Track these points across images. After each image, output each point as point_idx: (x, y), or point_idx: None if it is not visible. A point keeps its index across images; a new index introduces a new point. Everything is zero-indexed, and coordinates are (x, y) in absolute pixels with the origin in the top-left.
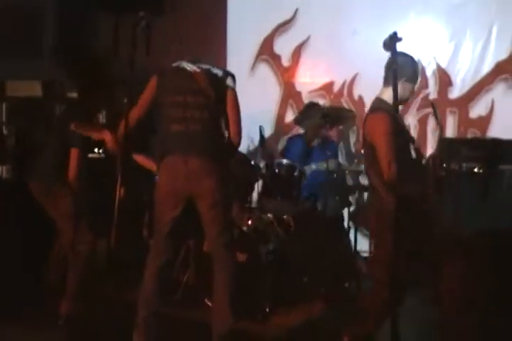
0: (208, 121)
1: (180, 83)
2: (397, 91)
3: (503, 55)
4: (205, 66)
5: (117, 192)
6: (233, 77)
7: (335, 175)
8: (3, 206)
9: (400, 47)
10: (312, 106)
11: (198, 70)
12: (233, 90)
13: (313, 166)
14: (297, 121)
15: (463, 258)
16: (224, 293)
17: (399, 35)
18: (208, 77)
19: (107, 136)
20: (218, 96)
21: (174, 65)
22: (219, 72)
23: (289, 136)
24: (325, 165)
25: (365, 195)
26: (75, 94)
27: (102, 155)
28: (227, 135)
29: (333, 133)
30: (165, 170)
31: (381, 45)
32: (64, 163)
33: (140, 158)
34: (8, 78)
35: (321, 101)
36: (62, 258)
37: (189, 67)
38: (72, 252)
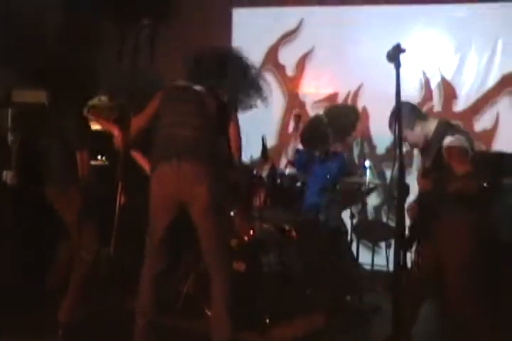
0: (203, 127)
1: (183, 99)
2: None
3: (509, 68)
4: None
5: (118, 200)
6: None
7: (337, 187)
8: (7, 211)
9: (405, 58)
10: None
11: (204, 91)
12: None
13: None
14: (303, 139)
15: None
16: (221, 302)
17: (402, 47)
18: (214, 100)
19: (116, 131)
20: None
21: (179, 83)
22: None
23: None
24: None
25: (369, 208)
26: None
27: (106, 163)
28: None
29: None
30: (157, 177)
31: (385, 56)
32: (75, 165)
33: (138, 156)
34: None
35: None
36: (68, 263)
37: (196, 87)
38: (77, 258)
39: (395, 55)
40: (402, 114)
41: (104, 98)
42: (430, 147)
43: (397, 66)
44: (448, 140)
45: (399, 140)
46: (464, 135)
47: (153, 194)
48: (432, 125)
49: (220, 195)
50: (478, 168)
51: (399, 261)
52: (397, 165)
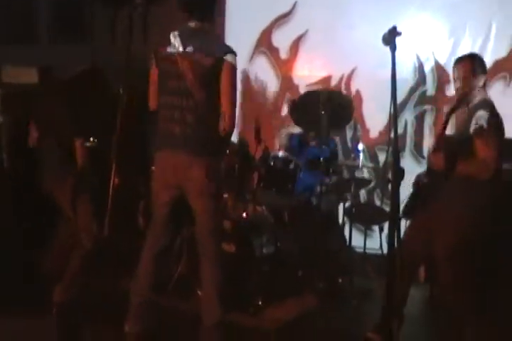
0: (198, 113)
1: (169, 72)
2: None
3: (502, 53)
4: (199, 44)
5: (111, 181)
6: (233, 53)
7: (331, 170)
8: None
9: (399, 42)
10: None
11: (184, 56)
12: (230, 65)
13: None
14: (292, 115)
15: None
16: (211, 283)
17: (398, 30)
18: (196, 63)
19: None
20: (210, 79)
21: (168, 49)
22: (215, 50)
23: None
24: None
25: (362, 190)
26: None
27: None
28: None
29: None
30: (157, 162)
31: (379, 39)
32: (73, 153)
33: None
34: (3, 64)
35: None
36: (67, 246)
37: (176, 49)
38: (77, 239)
39: (390, 38)
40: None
41: None
42: (465, 114)
43: (393, 49)
44: (479, 113)
45: (393, 123)
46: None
47: (154, 178)
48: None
49: (216, 179)
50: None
51: (393, 243)
52: (391, 148)
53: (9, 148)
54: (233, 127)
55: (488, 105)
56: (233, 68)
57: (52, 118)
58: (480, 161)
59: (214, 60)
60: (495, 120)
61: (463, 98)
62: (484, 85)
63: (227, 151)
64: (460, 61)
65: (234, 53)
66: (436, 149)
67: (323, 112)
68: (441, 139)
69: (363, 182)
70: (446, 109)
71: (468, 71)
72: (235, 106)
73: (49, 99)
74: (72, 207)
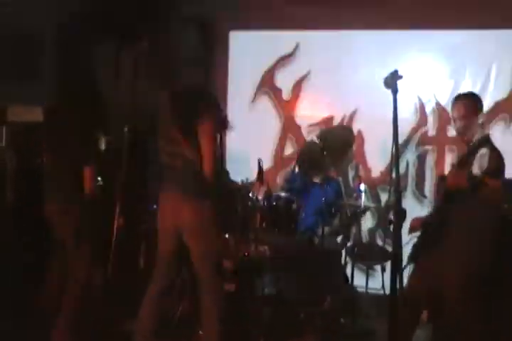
0: (189, 155)
1: (164, 114)
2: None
3: (502, 95)
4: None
5: (115, 221)
6: (211, 100)
7: (333, 210)
8: (6, 231)
9: (400, 83)
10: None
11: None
12: (207, 120)
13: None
14: (299, 166)
15: None
16: (211, 322)
17: (400, 73)
18: (180, 107)
19: None
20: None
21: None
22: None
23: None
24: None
25: (364, 230)
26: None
27: (100, 183)
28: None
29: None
30: (159, 203)
31: (381, 81)
32: (79, 182)
33: None
34: (10, 103)
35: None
36: (60, 283)
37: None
38: (71, 279)
39: (392, 81)
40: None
41: None
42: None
43: (395, 92)
44: (482, 151)
45: (395, 163)
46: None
47: (157, 220)
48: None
49: (211, 221)
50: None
51: (395, 284)
52: (393, 188)
53: (14, 181)
54: (212, 169)
55: (490, 142)
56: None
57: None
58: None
59: None
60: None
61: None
62: (483, 123)
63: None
64: (458, 100)
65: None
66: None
67: (325, 153)
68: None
69: (360, 211)
70: (447, 149)
71: (467, 110)
72: (212, 150)
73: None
74: (72, 242)
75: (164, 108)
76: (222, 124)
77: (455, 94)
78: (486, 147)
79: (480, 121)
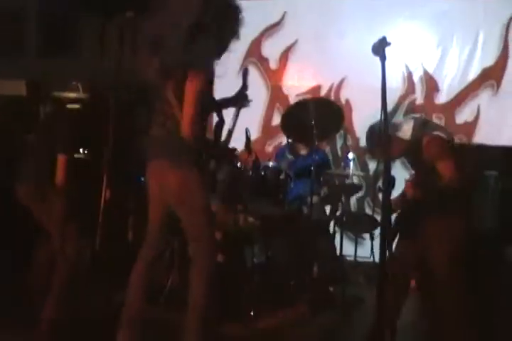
0: (173, 122)
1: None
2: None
3: (490, 62)
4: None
5: (103, 195)
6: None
7: (321, 179)
8: None
9: (388, 51)
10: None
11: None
12: (193, 77)
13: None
14: (284, 129)
15: None
16: (200, 294)
17: (388, 40)
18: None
19: None
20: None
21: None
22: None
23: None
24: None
25: (352, 199)
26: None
27: (87, 157)
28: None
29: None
30: (147, 174)
31: (369, 49)
32: (52, 167)
33: None
34: None
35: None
36: (48, 261)
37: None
38: (61, 256)
39: (380, 48)
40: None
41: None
42: (411, 149)
43: (383, 59)
44: (426, 137)
45: (385, 132)
46: (442, 131)
47: (147, 190)
48: (408, 127)
49: (192, 187)
50: (459, 162)
51: (385, 252)
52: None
53: None
54: (190, 131)
55: (427, 126)
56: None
57: (41, 132)
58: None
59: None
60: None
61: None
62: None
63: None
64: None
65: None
66: None
67: (312, 122)
68: None
69: (354, 189)
70: (435, 117)
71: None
72: (192, 111)
73: (38, 112)
74: (54, 223)
75: (154, 72)
76: (240, 100)
77: (443, 62)
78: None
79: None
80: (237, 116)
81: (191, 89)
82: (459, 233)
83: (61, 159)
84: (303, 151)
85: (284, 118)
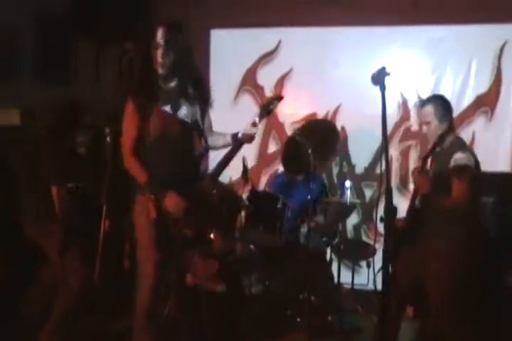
0: None
1: None
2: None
3: (483, 89)
4: None
5: (102, 224)
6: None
7: (318, 208)
8: None
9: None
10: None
11: None
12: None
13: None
14: (284, 163)
15: None
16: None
17: (387, 70)
18: None
19: None
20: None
21: None
22: None
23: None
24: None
25: (348, 227)
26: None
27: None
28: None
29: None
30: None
31: (363, 77)
32: (49, 198)
33: None
34: None
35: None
36: (48, 290)
37: None
38: (64, 285)
39: (379, 78)
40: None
41: None
42: (442, 155)
43: (383, 89)
44: (458, 156)
45: (386, 161)
46: (473, 156)
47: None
48: (449, 135)
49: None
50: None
51: (387, 281)
52: (384, 186)
53: None
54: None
55: (463, 145)
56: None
57: (33, 164)
58: (455, 198)
59: None
60: (474, 160)
61: (436, 144)
62: (452, 124)
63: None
64: (423, 106)
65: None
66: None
67: (309, 151)
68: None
69: (347, 211)
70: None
71: (432, 116)
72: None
73: (29, 144)
74: (58, 253)
75: None
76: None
77: (437, 89)
78: (461, 151)
79: (446, 126)
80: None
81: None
82: (457, 257)
83: (55, 190)
84: (300, 177)
85: (283, 155)
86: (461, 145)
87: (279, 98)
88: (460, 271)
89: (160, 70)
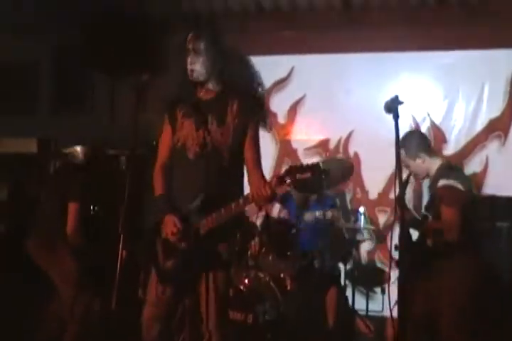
0: None
1: None
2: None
3: (496, 113)
4: None
5: (120, 254)
6: None
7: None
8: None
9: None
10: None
11: None
12: None
13: (314, 214)
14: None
15: None
16: None
17: (400, 99)
18: None
19: None
20: None
21: None
22: None
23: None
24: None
25: (363, 252)
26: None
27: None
28: None
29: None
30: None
31: (376, 103)
32: (63, 218)
33: None
34: (4, 135)
35: (317, 159)
36: (57, 317)
37: None
38: (69, 314)
39: (393, 106)
40: (409, 140)
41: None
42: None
43: (396, 117)
44: (441, 182)
45: (401, 190)
46: (460, 180)
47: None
48: (434, 164)
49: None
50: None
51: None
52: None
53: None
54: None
55: (448, 172)
56: None
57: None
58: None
59: None
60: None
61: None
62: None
63: None
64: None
65: None
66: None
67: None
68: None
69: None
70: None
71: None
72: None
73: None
74: (61, 276)
75: None
76: None
77: (450, 113)
78: (445, 178)
79: (427, 160)
80: None
81: None
82: (468, 285)
83: (72, 207)
84: (313, 196)
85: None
86: (446, 172)
87: None
88: (468, 306)
89: (191, 77)
